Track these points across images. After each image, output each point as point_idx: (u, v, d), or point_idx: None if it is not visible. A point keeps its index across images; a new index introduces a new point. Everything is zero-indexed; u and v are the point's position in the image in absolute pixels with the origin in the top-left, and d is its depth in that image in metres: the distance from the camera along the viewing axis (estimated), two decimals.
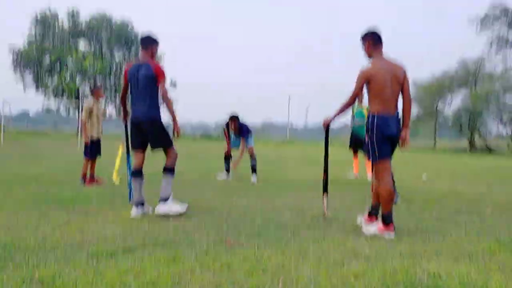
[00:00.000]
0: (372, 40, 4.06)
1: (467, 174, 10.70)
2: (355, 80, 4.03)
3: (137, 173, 4.63)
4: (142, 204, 4.49)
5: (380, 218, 3.95)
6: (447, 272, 2.79)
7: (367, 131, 3.99)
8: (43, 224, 3.83)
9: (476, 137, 32.80)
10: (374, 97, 3.95)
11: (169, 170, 4.58)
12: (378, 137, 3.91)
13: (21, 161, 10.33)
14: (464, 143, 33.90)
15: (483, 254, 3.27)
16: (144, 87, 4.43)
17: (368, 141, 3.99)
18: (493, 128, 33.92)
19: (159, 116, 4.53)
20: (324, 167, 4.55)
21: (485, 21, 30.07)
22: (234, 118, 7.99)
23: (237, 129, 8.07)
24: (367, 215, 4.24)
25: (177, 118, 4.61)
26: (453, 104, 34.25)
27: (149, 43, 4.54)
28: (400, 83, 3.97)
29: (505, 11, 29.14)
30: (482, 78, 32.22)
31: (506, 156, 25.21)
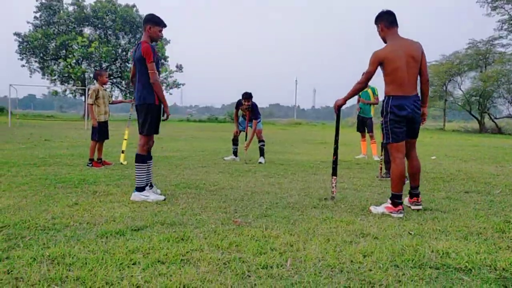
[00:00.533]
0: (386, 22, 3.95)
1: (476, 155, 10.61)
2: (369, 62, 3.94)
3: (147, 156, 4.54)
4: (151, 185, 4.50)
5: (389, 199, 3.94)
6: (456, 250, 2.77)
7: (382, 112, 3.98)
8: (52, 205, 3.86)
9: (486, 118, 32.48)
10: (389, 79, 3.88)
11: (137, 157, 4.33)
12: (392, 119, 3.88)
13: (29, 144, 10.41)
14: (474, 124, 33.63)
15: (492, 233, 3.25)
16: (138, 70, 4.32)
17: (382, 122, 3.99)
18: (504, 109, 33.59)
19: (151, 101, 4.30)
20: (334, 148, 4.52)
21: (496, 2, 29.42)
22: (249, 97, 7.94)
23: (249, 109, 8.01)
24: (408, 197, 4.15)
25: (167, 102, 4.42)
26: (463, 85, 33.87)
27: (144, 22, 4.37)
28: (418, 61, 3.88)
29: None
30: (492, 59, 31.69)
31: None
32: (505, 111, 33.25)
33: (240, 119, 8.40)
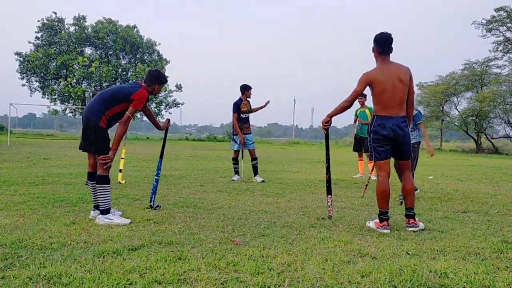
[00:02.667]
0: (378, 48, 4.07)
1: (473, 174, 10.63)
2: (357, 82, 4.09)
3: (90, 176, 4.34)
4: (98, 206, 4.24)
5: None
6: (454, 271, 2.76)
7: (367, 131, 4.19)
8: (49, 224, 3.85)
9: (483, 138, 32.62)
10: (376, 100, 4.06)
11: (100, 178, 4.11)
12: (375, 138, 4.06)
13: (27, 163, 10.39)
14: (471, 144, 33.75)
15: (490, 253, 3.25)
16: (111, 96, 4.17)
17: (369, 141, 4.15)
18: (500, 129, 33.76)
19: (98, 121, 4.10)
20: (326, 167, 4.54)
21: (491, 24, 29.92)
22: (250, 87, 7.98)
23: (249, 104, 8.04)
24: (406, 219, 4.13)
25: (117, 146, 4.11)
26: (460, 105, 34.11)
27: (152, 80, 4.35)
28: (406, 84, 4.02)
29: (511, 13, 28.92)
30: (488, 79, 32.04)
31: None
32: (502, 131, 33.42)
33: (237, 142, 8.12)
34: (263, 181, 7.76)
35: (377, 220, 4.06)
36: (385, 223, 3.98)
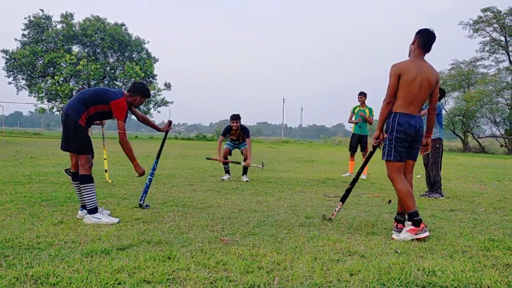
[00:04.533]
0: (421, 41, 3.83)
1: (460, 173, 10.76)
2: (389, 77, 3.80)
3: (73, 176, 4.34)
4: (85, 206, 4.18)
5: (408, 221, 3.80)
6: (442, 269, 2.80)
7: (387, 130, 3.84)
8: (36, 224, 3.81)
9: (470, 137, 33.05)
10: (400, 93, 3.76)
11: (83, 178, 4.05)
12: (398, 137, 3.77)
13: (14, 162, 10.25)
14: (458, 143, 34.17)
15: (477, 251, 3.29)
16: (94, 98, 4.11)
17: (386, 139, 3.84)
18: (487, 129, 34.23)
19: (77, 118, 4.01)
20: (355, 177, 4.43)
21: (478, 24, 30.34)
22: (236, 118, 7.95)
23: (239, 131, 8.06)
24: (395, 223, 3.93)
25: (136, 161, 4.29)
26: (447, 105, 34.50)
27: (135, 91, 4.33)
28: (431, 86, 3.80)
29: (497, 13, 29.36)
30: (475, 79, 32.47)
31: (499, 156, 25.40)
32: (488, 130, 33.88)
33: (228, 143, 8.36)
34: (247, 181, 7.79)
35: (412, 226, 3.65)
36: (423, 224, 3.64)
